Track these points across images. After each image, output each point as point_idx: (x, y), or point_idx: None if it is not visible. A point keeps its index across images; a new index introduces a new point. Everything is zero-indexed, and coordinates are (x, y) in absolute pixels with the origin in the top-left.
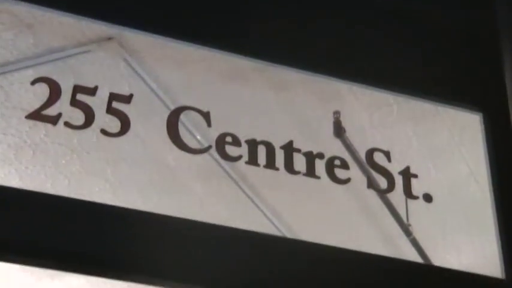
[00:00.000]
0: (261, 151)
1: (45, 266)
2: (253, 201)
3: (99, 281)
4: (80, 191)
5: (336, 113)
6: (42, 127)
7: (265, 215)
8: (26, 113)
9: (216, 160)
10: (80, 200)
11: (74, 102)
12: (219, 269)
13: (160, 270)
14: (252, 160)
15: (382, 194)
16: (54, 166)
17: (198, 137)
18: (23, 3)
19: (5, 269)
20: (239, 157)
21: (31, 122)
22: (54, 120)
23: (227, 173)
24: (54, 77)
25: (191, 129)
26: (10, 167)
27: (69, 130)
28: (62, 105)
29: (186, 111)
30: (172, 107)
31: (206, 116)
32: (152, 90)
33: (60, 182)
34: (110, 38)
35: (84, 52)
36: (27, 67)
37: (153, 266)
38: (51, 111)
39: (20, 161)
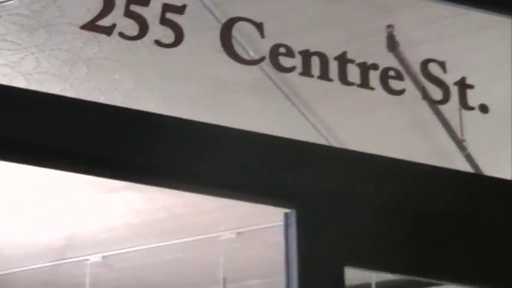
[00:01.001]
0: (315, 62)
1: (98, 175)
2: (303, 114)
3: (153, 196)
4: (134, 106)
5: (389, 27)
6: (96, 43)
7: (314, 127)
8: (79, 28)
9: (266, 73)
10: (135, 110)
11: (128, 13)
12: (268, 177)
13: (213, 179)
14: (306, 71)
15: (437, 104)
16: (108, 81)
17: (251, 52)
18: None
19: (63, 182)
20: (293, 68)
21: (85, 38)
22: (108, 30)
23: (278, 86)
24: None
25: (244, 40)
26: (65, 83)
27: (123, 45)
28: (116, 16)
29: (239, 23)
30: (225, 19)
31: (259, 27)
32: (202, 2)
33: (114, 97)
34: None
35: None
36: None
37: (207, 174)
38: (105, 22)
39: (75, 76)
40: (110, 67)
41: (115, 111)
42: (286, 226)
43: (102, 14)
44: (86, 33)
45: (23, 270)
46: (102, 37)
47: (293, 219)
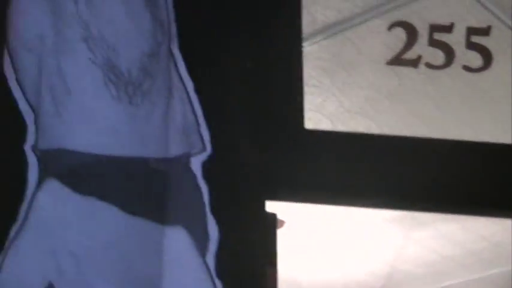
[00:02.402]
0: None
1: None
2: None
3: (469, 225)
4: (438, 133)
5: None
6: (395, 76)
7: None
8: (379, 63)
9: None
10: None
11: (432, 42)
12: None
13: None
14: None
15: None
16: (411, 113)
17: None
18: None
19: (376, 220)
20: None
21: (384, 72)
22: (414, 63)
23: None
24: (406, 19)
25: None
26: (369, 120)
27: (424, 75)
28: (419, 47)
29: None
30: None
31: None
32: (504, 22)
33: (418, 129)
34: None
35: None
36: (373, 17)
37: None
38: (410, 54)
39: (377, 112)
40: (411, 98)
41: (420, 143)
42: None
43: (407, 47)
44: (384, 67)
45: None
46: (401, 69)
47: None
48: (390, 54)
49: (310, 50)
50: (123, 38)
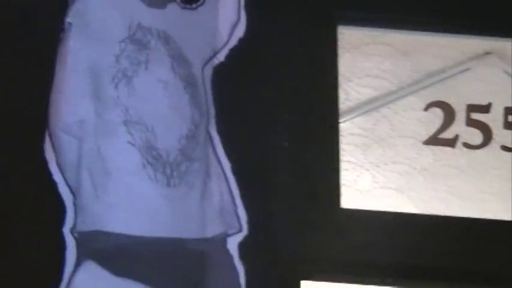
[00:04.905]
0: None
1: None
2: None
3: None
4: (475, 211)
5: None
6: (429, 152)
7: None
8: (414, 140)
9: None
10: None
11: (470, 122)
12: None
13: None
14: None
15: None
16: (445, 189)
17: None
18: (397, 32)
19: None
20: None
21: (419, 149)
22: (451, 142)
23: None
24: (443, 99)
25: None
26: (402, 195)
27: (459, 151)
28: (458, 126)
29: None
30: None
31: None
32: None
33: (452, 205)
34: (487, 53)
35: (464, 70)
36: (408, 94)
37: None
38: (447, 134)
39: (411, 187)
40: (446, 174)
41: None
42: None
43: (444, 127)
44: (417, 143)
45: None
46: (438, 147)
47: None
48: (426, 133)
49: (343, 127)
50: (162, 120)
